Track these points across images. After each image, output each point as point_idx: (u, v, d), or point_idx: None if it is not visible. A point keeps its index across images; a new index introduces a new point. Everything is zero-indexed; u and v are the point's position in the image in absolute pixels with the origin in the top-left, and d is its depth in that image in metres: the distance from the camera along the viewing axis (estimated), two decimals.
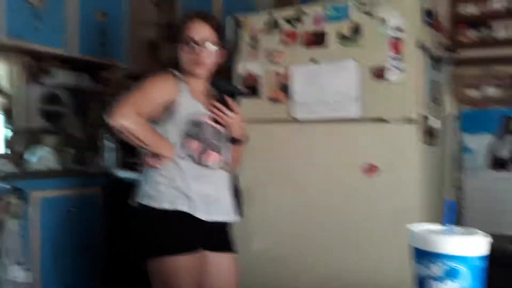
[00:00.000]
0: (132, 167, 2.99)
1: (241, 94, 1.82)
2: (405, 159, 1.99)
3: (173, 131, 1.74)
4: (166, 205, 1.70)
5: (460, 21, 2.80)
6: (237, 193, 2.14)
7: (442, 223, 0.80)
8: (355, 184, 2.09)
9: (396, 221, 1.98)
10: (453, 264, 0.74)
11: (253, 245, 2.35)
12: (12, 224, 2.39)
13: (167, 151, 1.72)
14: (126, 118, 1.60)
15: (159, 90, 1.73)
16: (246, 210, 2.30)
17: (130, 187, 1.82)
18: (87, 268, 2.86)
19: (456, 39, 2.79)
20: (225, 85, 1.85)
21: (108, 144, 3.20)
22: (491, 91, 2.75)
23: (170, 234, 1.69)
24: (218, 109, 1.77)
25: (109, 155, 3.20)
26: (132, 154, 3.05)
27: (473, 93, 2.79)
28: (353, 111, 2.13)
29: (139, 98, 1.68)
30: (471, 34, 2.77)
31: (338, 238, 2.14)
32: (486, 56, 2.75)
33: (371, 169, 2.06)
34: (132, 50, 3.59)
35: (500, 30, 2.70)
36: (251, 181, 2.36)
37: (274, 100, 2.34)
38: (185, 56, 1.77)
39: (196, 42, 1.76)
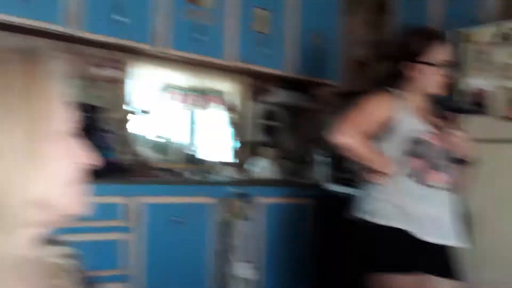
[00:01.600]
0: (343, 181, 3.04)
1: (467, 112, 1.70)
2: None
3: (393, 148, 1.71)
4: (383, 221, 1.68)
5: None
6: (466, 218, 1.98)
7: None
8: None
9: None
10: None
11: (483, 276, 2.13)
12: (239, 225, 2.66)
13: (386, 168, 1.70)
14: (346, 136, 1.65)
15: (376, 107, 1.73)
16: (477, 237, 2.10)
17: (341, 201, 1.84)
18: (302, 271, 3.01)
19: None
20: (449, 102, 1.75)
21: (319, 158, 3.32)
22: None
23: (391, 252, 1.66)
24: (442, 127, 1.68)
25: (320, 169, 3.31)
26: (343, 169, 3.10)
27: None
28: None
29: (357, 116, 1.70)
30: None
31: None
32: None
33: None
34: (343, 68, 3.68)
35: None
36: (481, 206, 2.16)
37: (506, 118, 2.11)
38: (429, 78, 1.72)
39: (446, 65, 1.71)
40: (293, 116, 3.81)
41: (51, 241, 0.70)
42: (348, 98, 1.85)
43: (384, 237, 1.68)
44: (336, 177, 3.25)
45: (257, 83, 3.57)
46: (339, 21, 3.66)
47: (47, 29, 2.36)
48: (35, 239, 0.64)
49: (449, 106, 1.73)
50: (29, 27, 2.32)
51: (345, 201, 1.85)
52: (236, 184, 2.77)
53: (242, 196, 2.72)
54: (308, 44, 3.43)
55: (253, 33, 3.18)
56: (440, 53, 1.70)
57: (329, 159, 3.23)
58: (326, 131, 1.72)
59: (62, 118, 0.63)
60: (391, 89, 1.79)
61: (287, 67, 3.34)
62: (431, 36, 1.73)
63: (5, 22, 2.27)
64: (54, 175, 0.62)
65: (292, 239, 2.97)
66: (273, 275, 2.87)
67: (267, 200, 2.87)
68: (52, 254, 0.70)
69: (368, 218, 1.73)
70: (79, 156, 0.65)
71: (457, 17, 2.76)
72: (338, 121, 1.70)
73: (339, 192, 2.92)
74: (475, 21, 2.70)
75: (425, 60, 1.69)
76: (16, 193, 0.57)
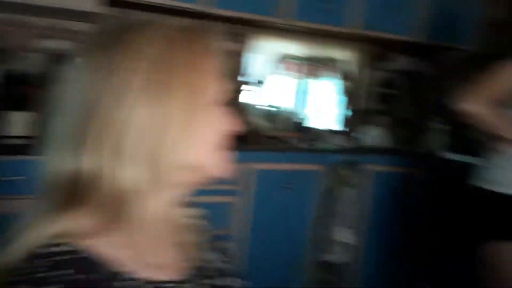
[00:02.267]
0: (462, 150, 2.88)
1: None
2: None
3: None
4: (505, 189, 1.61)
5: None
6: None
7: None
8: None
9: None
10: None
11: None
12: (346, 192, 2.70)
13: None
14: (473, 104, 1.57)
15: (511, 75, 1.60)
16: None
17: (458, 170, 1.77)
18: (408, 239, 2.97)
19: None
20: None
21: (437, 126, 3.16)
22: None
23: (510, 220, 1.60)
24: None
25: (437, 137, 3.16)
26: (462, 138, 2.93)
27: None
28: None
29: (489, 83, 1.61)
30: None
31: None
32: None
33: None
34: (476, 32, 3.39)
35: None
36: None
37: None
38: None
39: None
40: (414, 83, 3.64)
41: (182, 203, 0.77)
42: (478, 63, 1.73)
43: (504, 205, 1.62)
44: (454, 146, 3.09)
45: (379, 50, 3.47)
46: None
47: (179, 7, 2.54)
48: (175, 200, 0.72)
49: None
50: (162, 5, 2.51)
51: (463, 171, 1.78)
52: (343, 152, 2.80)
53: (348, 164, 2.73)
54: (439, 7, 3.20)
55: None
56: None
57: (448, 127, 3.07)
58: (452, 98, 1.65)
59: (216, 90, 0.70)
60: None
61: (414, 32, 3.16)
62: None
63: (143, 2, 2.51)
64: (205, 141, 0.68)
65: (400, 207, 2.93)
66: (375, 242, 2.89)
67: (375, 167, 2.86)
68: (183, 214, 0.78)
69: (488, 186, 1.66)
70: (227, 124, 0.71)
71: None
72: (467, 87, 1.63)
73: (457, 161, 2.78)
74: None
75: None
76: (169, 157, 0.64)
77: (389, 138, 3.33)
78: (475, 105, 1.58)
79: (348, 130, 3.41)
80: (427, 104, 3.60)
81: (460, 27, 3.30)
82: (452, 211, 2.63)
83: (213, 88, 0.69)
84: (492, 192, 1.66)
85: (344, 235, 2.67)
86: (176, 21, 0.70)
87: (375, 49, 3.47)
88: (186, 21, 0.71)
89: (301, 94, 3.35)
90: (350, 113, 3.45)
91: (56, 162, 0.64)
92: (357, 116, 3.47)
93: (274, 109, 3.21)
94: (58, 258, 0.58)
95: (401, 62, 3.49)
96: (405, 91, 3.61)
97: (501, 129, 1.61)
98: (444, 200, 2.88)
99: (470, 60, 3.43)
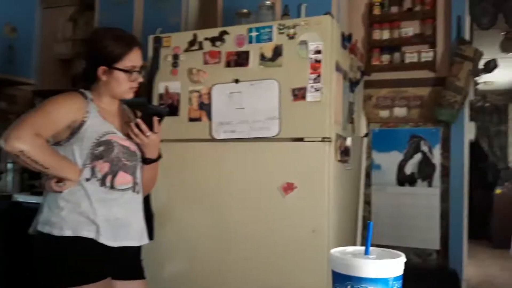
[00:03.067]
0: (35, 191, 2.78)
1: (165, 115, 1.77)
2: (320, 178, 2.03)
3: (79, 152, 1.61)
4: (69, 233, 1.56)
5: (374, 46, 2.94)
6: (148, 215, 2.03)
7: (365, 245, 0.79)
8: (272, 203, 2.09)
9: (311, 239, 2.00)
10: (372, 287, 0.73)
11: (166, 269, 2.26)
12: None
13: (71, 174, 1.59)
14: (22, 141, 1.47)
15: (62, 110, 1.61)
16: (159, 233, 2.20)
17: (31, 212, 1.68)
18: None
19: (370, 63, 2.93)
20: (144, 105, 1.78)
21: (9, 166, 2.96)
22: (400, 111, 2.92)
23: (72, 264, 1.56)
24: (138, 129, 1.69)
25: (9, 178, 2.95)
26: (36, 177, 2.84)
27: (383, 113, 2.94)
28: (272, 130, 2.13)
29: (39, 119, 1.55)
30: (384, 58, 2.92)
31: (255, 259, 2.12)
32: (396, 78, 2.92)
33: (288, 188, 2.07)
34: (42, 66, 3.39)
35: (410, 55, 2.87)
36: (166, 202, 2.29)
37: (194, 119, 2.30)
38: (122, 83, 1.68)
39: (138, 71, 1.70)
40: None
41: None
42: (39, 98, 1.68)
43: (64, 249, 1.57)
44: (28, 185, 2.98)
45: None
46: (37, 14, 3.35)
47: None
48: None
49: (150, 110, 1.75)
50: None
51: (33, 212, 1.67)
52: None
53: None
54: None
55: None
56: (135, 60, 1.69)
57: (19, 166, 2.92)
58: (1, 136, 1.50)
59: None
60: (82, 90, 1.71)
61: None
62: (127, 43, 1.70)
63: None
64: None
65: None
66: None
67: None
68: None
69: (46, 230, 1.59)
70: None
71: (158, 23, 2.88)
72: (14, 124, 1.52)
73: (28, 202, 2.66)
74: (175, 28, 2.86)
75: (120, 66, 1.67)
76: None
77: None
78: (20, 143, 1.48)
79: None
80: None
81: (22, 60, 3.21)
82: (23, 260, 2.45)
83: None
84: (47, 235, 1.58)
85: None
86: None
87: None
88: None
89: None
90: None
91: None
92: None
93: None
94: None
95: None
96: None
97: (50, 166, 1.56)
98: (15, 248, 2.65)
99: (40, 95, 3.38)
